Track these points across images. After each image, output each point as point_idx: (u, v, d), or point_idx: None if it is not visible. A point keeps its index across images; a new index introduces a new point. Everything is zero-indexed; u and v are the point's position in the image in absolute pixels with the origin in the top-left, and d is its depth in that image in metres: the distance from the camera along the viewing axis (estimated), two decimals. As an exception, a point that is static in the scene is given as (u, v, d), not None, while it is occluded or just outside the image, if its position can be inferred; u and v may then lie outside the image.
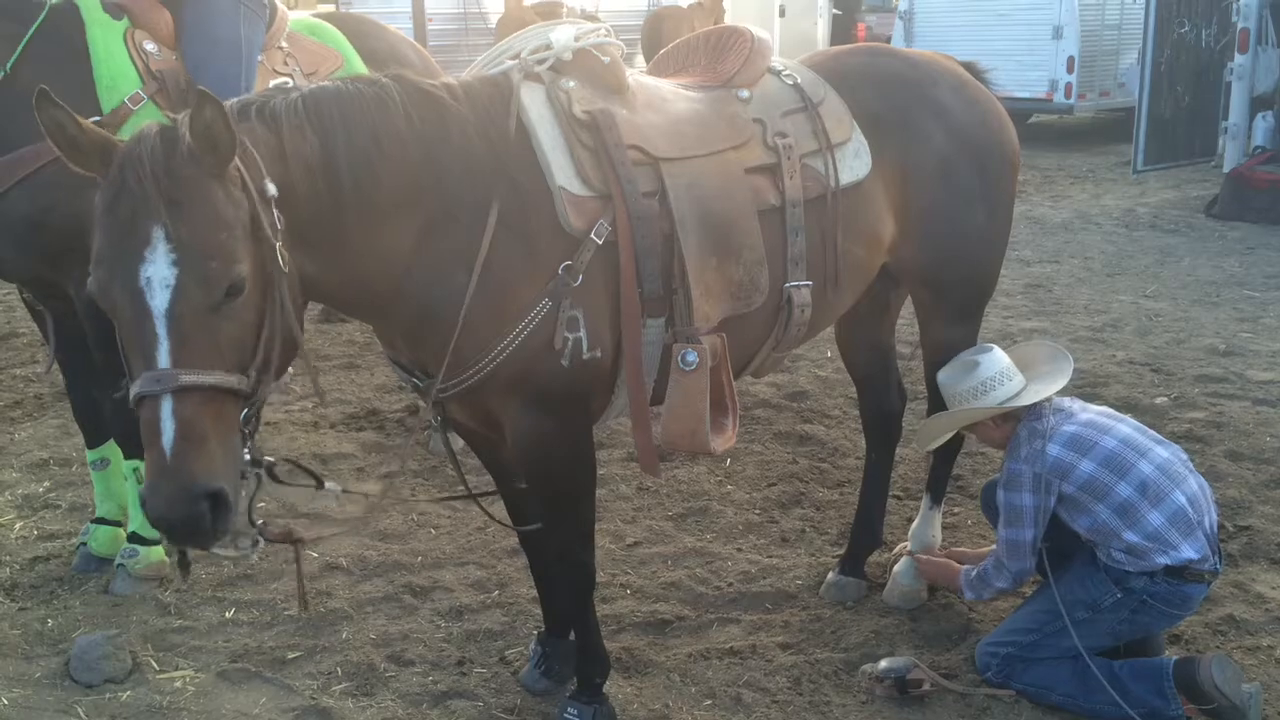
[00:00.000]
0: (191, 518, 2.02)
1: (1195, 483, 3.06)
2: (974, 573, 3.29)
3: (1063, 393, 3.20)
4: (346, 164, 2.35)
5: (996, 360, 3.16)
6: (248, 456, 2.17)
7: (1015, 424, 3.15)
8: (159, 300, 2.02)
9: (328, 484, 2.57)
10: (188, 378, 2.03)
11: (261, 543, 2.33)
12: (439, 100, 2.52)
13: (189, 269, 2.03)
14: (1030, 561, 3.12)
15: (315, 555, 3.89)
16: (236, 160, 2.11)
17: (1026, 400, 3.10)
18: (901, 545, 3.80)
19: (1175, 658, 3.04)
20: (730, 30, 3.13)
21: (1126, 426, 3.12)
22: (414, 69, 4.19)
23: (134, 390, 2.05)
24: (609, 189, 2.60)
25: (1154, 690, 2.94)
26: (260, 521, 2.32)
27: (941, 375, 3.26)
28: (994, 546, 3.47)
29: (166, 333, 2.03)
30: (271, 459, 2.32)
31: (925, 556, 3.58)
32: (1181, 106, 11.19)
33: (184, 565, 2.38)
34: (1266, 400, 5.34)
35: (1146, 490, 2.96)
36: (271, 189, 2.18)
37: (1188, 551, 2.94)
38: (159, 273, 2.02)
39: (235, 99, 2.34)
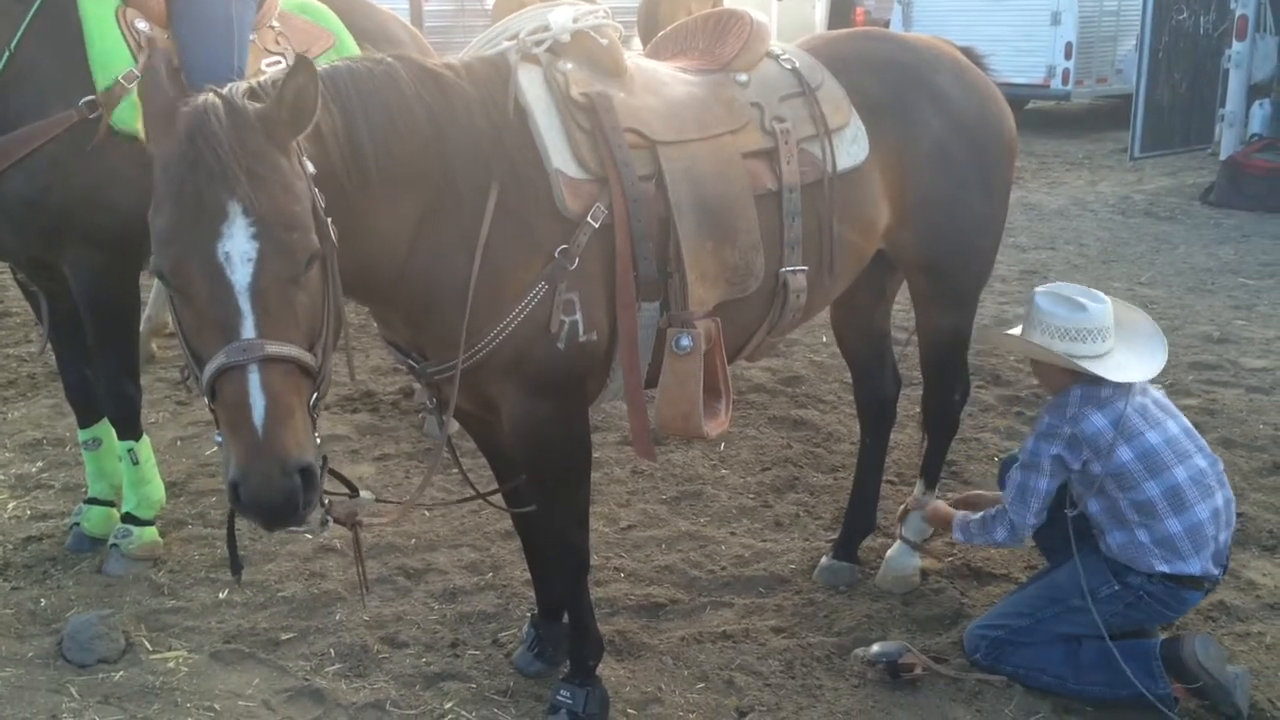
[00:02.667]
0: (288, 495, 1.99)
1: (1221, 498, 3.03)
2: (974, 518, 3.21)
3: None
4: (369, 141, 2.34)
5: (1102, 315, 3.03)
6: (319, 440, 2.14)
7: (1076, 378, 3.05)
8: (240, 274, 1.98)
9: (363, 492, 2.57)
10: (274, 347, 2.00)
11: (330, 521, 2.33)
12: (443, 79, 2.51)
13: (271, 241, 2.00)
14: (1032, 515, 3.05)
15: (309, 537, 3.89)
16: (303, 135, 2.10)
17: (1104, 373, 2.98)
18: (912, 498, 3.75)
19: (1163, 637, 3.06)
20: (728, 14, 3.11)
21: (1175, 425, 3.05)
22: (405, 48, 4.16)
23: (215, 365, 1.99)
24: (605, 172, 2.59)
25: (1143, 670, 2.95)
26: (328, 501, 2.32)
27: (1042, 296, 3.09)
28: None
29: (251, 306, 1.99)
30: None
31: (931, 505, 3.52)
32: (1179, 94, 11.17)
33: (237, 567, 2.36)
34: (1260, 388, 5.36)
35: (1173, 497, 2.93)
36: (310, 167, 2.16)
37: (1193, 566, 2.94)
38: (238, 247, 1.98)
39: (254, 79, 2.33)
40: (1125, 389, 3.01)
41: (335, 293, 2.18)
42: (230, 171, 1.97)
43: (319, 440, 2.14)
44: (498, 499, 3.19)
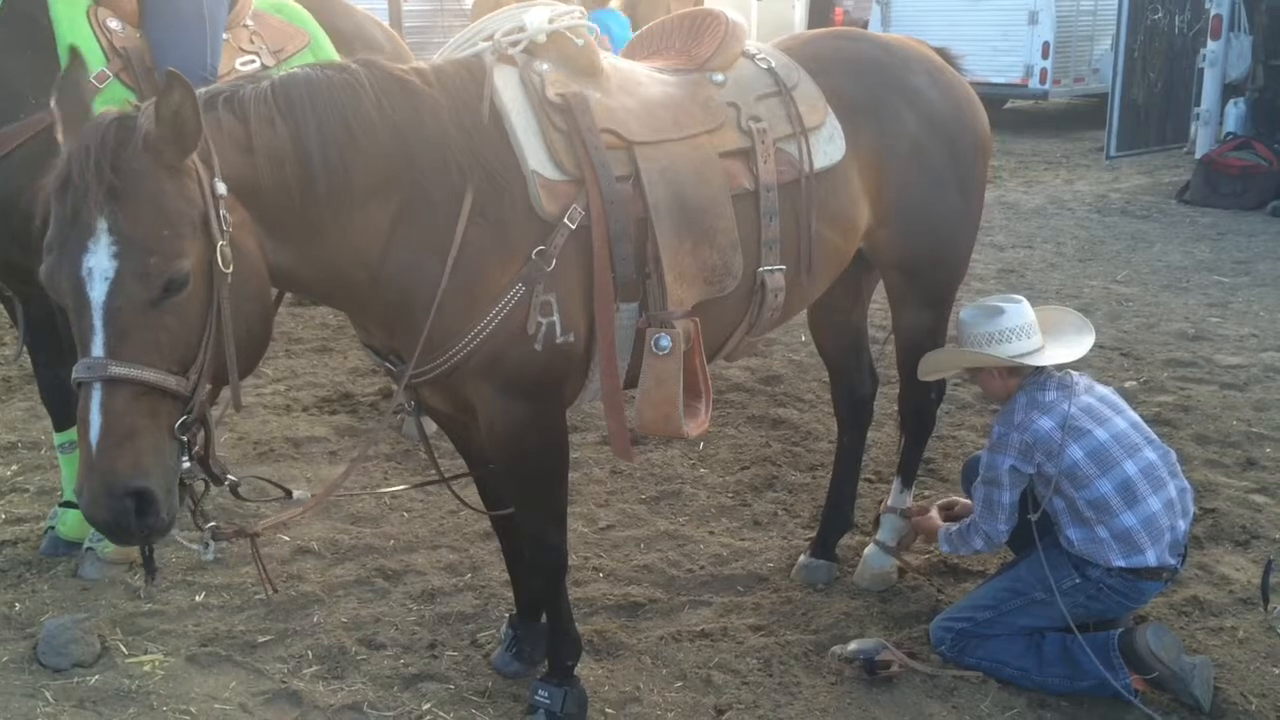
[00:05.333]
0: (117, 515, 2.02)
1: (1174, 488, 3.08)
2: (954, 529, 3.29)
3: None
4: (318, 153, 2.32)
5: (1021, 314, 3.14)
6: (187, 464, 2.15)
7: (1019, 382, 3.15)
8: (97, 291, 2.02)
9: (296, 493, 2.57)
10: (118, 369, 2.02)
11: (212, 544, 2.33)
12: (410, 85, 2.50)
13: (128, 262, 2.02)
14: (1003, 523, 3.12)
15: (287, 539, 3.88)
16: (194, 154, 2.09)
17: (1037, 362, 3.09)
18: (885, 503, 3.77)
19: (1121, 630, 3.09)
20: (705, 14, 3.12)
21: (1123, 420, 3.11)
22: (381, 49, 4.15)
23: (72, 377, 2.06)
24: (582, 173, 2.58)
25: (1102, 662, 2.99)
26: (212, 524, 2.33)
27: (964, 313, 3.24)
28: None
29: (102, 324, 2.03)
30: (235, 479, 2.33)
31: (917, 512, 3.57)
32: (1154, 93, 11.27)
33: (149, 569, 2.34)
34: (1234, 384, 5.40)
35: (1125, 491, 2.98)
36: (221, 188, 2.15)
37: (1149, 558, 2.99)
38: (99, 264, 2.01)
39: (204, 88, 2.30)
40: (1068, 392, 3.08)
41: (222, 316, 2.15)
42: (91, 190, 1.99)
43: (187, 463, 2.14)
44: (476, 501, 3.18)
